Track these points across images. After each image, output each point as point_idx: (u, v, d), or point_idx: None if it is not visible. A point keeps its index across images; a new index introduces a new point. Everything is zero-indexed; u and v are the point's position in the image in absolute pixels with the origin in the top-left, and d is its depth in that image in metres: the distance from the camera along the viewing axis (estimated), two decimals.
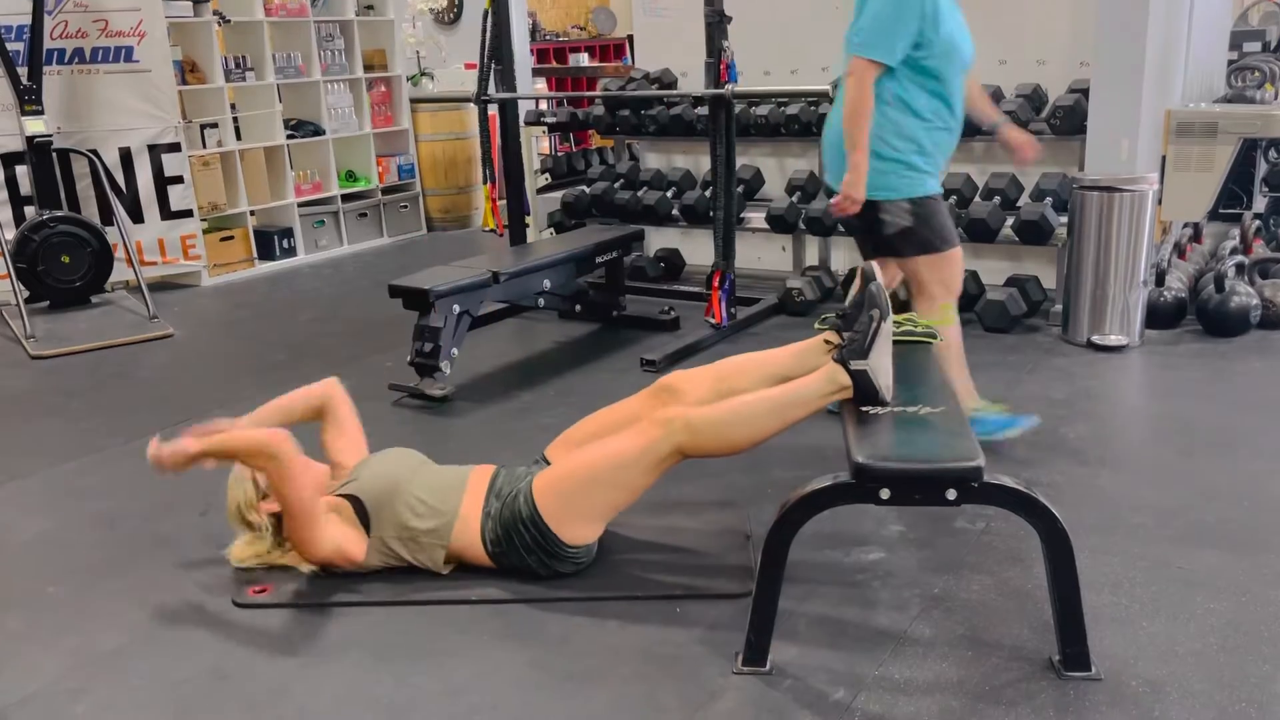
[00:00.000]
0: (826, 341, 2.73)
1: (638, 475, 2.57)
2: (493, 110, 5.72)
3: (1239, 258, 4.73)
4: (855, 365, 2.44)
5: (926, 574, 2.67)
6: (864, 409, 2.45)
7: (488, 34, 5.42)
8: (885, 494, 2.16)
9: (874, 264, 2.67)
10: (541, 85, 9.11)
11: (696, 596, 2.60)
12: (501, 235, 5.85)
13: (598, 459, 2.60)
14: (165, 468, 2.64)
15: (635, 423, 2.64)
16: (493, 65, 5.50)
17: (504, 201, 5.84)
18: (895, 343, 2.89)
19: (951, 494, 2.14)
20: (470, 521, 2.69)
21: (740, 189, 5.52)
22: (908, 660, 2.31)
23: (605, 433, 2.76)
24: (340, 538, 2.68)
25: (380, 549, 2.71)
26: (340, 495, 2.73)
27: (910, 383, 2.59)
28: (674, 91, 5.86)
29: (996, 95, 5.02)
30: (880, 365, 2.45)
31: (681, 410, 2.56)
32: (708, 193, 5.46)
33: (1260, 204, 5.93)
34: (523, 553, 2.64)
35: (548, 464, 2.82)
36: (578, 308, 5.19)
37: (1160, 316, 4.59)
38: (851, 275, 5.23)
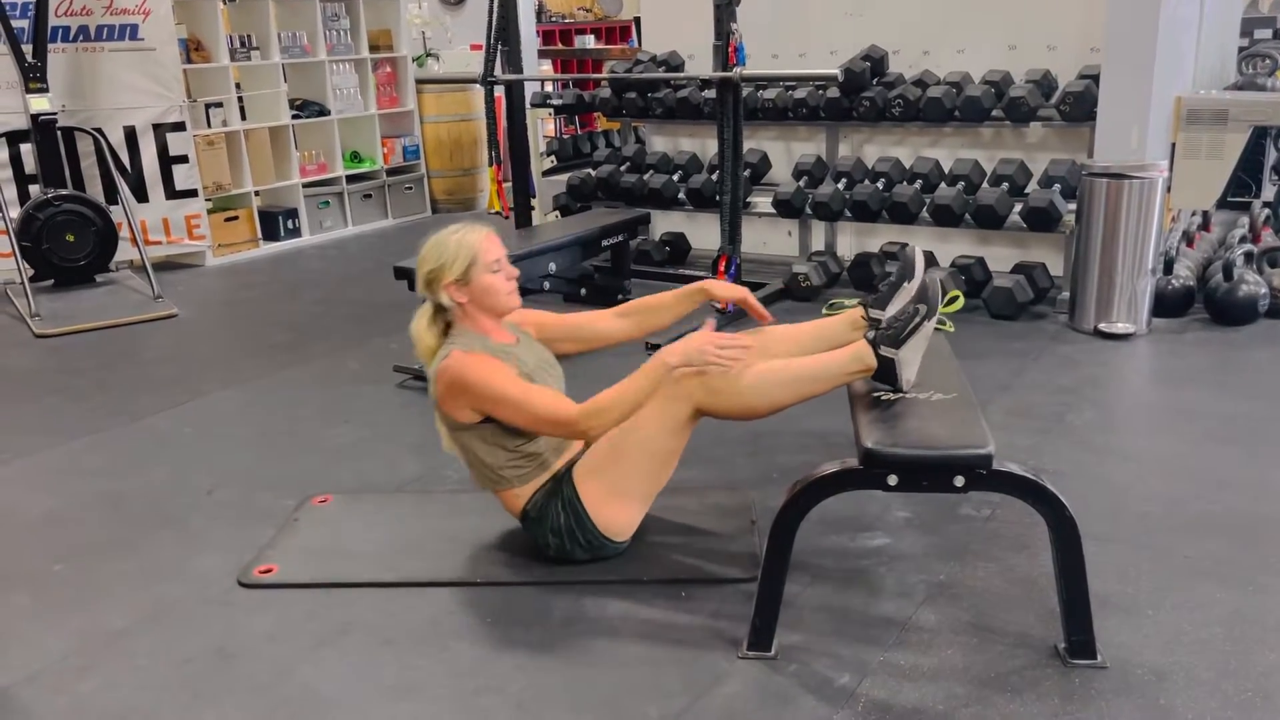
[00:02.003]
0: (864, 319, 2.69)
1: (663, 437, 2.53)
2: (499, 92, 5.69)
3: (1247, 246, 4.71)
4: (885, 352, 2.42)
5: (932, 560, 2.66)
6: (875, 393, 2.44)
7: (494, 15, 5.39)
8: (893, 480, 2.16)
9: (918, 249, 2.63)
10: (547, 67, 9.07)
11: (702, 581, 2.59)
12: (507, 218, 5.83)
13: (623, 430, 2.56)
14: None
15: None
16: (499, 46, 5.47)
17: (509, 184, 5.81)
18: None
19: (959, 481, 2.14)
20: (538, 482, 2.65)
21: (747, 173, 5.50)
22: (913, 646, 2.31)
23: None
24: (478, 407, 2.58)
25: (488, 432, 2.60)
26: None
27: (921, 368, 2.58)
28: (681, 74, 5.83)
29: (1006, 80, 5.00)
30: (909, 358, 2.43)
31: (697, 373, 2.52)
32: (714, 176, 5.45)
33: (1269, 192, 5.91)
34: (549, 533, 2.62)
35: None
36: (583, 291, 5.18)
37: (1168, 305, 4.58)
38: (858, 260, 5.21)
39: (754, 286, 5.18)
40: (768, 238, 6.00)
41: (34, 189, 5.83)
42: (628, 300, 5.13)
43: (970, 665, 2.23)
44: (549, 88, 7.14)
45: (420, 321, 2.70)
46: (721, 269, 4.74)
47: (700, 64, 5.77)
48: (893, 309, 2.55)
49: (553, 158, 6.83)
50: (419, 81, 8.07)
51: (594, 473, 2.59)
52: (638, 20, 9.44)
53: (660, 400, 2.51)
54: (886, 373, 2.44)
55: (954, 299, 3.08)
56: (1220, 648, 2.26)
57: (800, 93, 5.44)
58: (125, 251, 6.02)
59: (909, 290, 2.53)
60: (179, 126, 6.36)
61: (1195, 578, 2.54)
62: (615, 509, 2.60)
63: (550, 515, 2.61)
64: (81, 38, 6.03)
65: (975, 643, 2.31)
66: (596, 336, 2.91)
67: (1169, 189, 4.46)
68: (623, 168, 6.07)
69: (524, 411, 2.53)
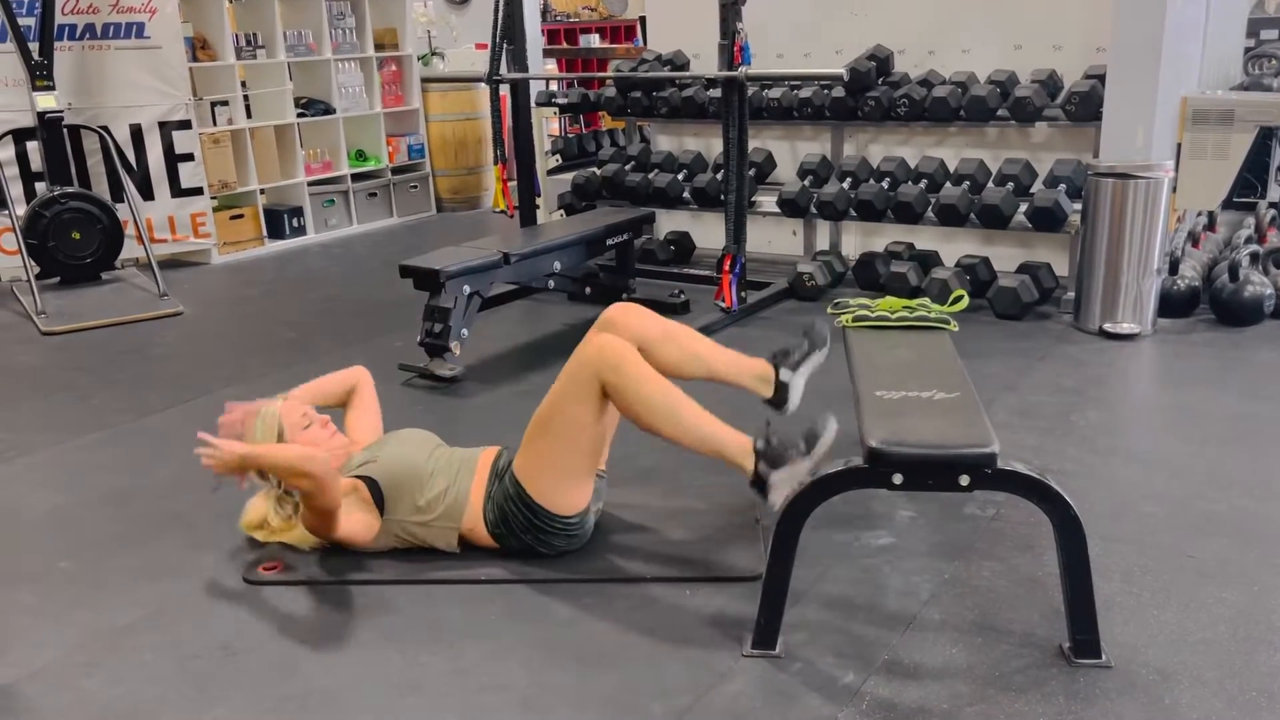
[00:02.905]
0: (774, 377, 2.86)
1: (580, 414, 2.54)
2: (504, 90, 5.70)
3: (1253, 247, 4.71)
4: (761, 469, 2.47)
5: (936, 559, 2.66)
6: (878, 393, 2.43)
7: (499, 13, 5.40)
8: (898, 479, 2.15)
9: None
10: (552, 66, 9.09)
11: (706, 579, 2.60)
12: (512, 216, 5.84)
13: (545, 410, 2.60)
14: (219, 460, 2.58)
15: None
16: (504, 45, 5.47)
17: (514, 183, 5.82)
18: (909, 327, 2.91)
19: (965, 480, 2.13)
20: (475, 504, 2.70)
21: (751, 172, 5.50)
22: (917, 645, 2.31)
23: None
24: (353, 522, 2.69)
25: (392, 531, 2.72)
26: (357, 476, 2.74)
27: (924, 368, 2.58)
28: (686, 73, 5.83)
29: (1011, 80, 5.00)
30: (780, 486, 2.45)
31: (619, 344, 2.54)
32: (719, 176, 5.44)
33: (1275, 193, 5.89)
34: (519, 533, 2.66)
35: None
36: (587, 290, 5.18)
37: (1173, 305, 4.57)
38: (863, 260, 5.20)
39: (758, 286, 5.19)
40: (772, 237, 6.00)
41: (40, 186, 5.85)
42: (631, 299, 5.17)
43: (975, 664, 2.23)
44: (554, 86, 7.14)
45: (264, 500, 2.82)
46: (726, 268, 4.73)
47: (705, 63, 5.76)
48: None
49: (558, 156, 6.84)
50: (424, 80, 8.08)
51: (532, 461, 2.61)
52: (642, 19, 9.45)
53: (573, 383, 2.54)
54: (759, 486, 2.49)
55: (958, 298, 3.08)
56: (1225, 647, 2.26)
57: (805, 92, 5.44)
58: (131, 249, 6.04)
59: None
60: (185, 124, 6.37)
61: (1200, 578, 2.54)
62: (559, 490, 2.62)
63: (510, 516, 2.65)
64: (88, 35, 6.04)
65: (980, 642, 2.31)
66: (350, 434, 3.03)
67: (1174, 189, 4.46)
68: (627, 167, 6.07)
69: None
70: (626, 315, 2.83)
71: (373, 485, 2.70)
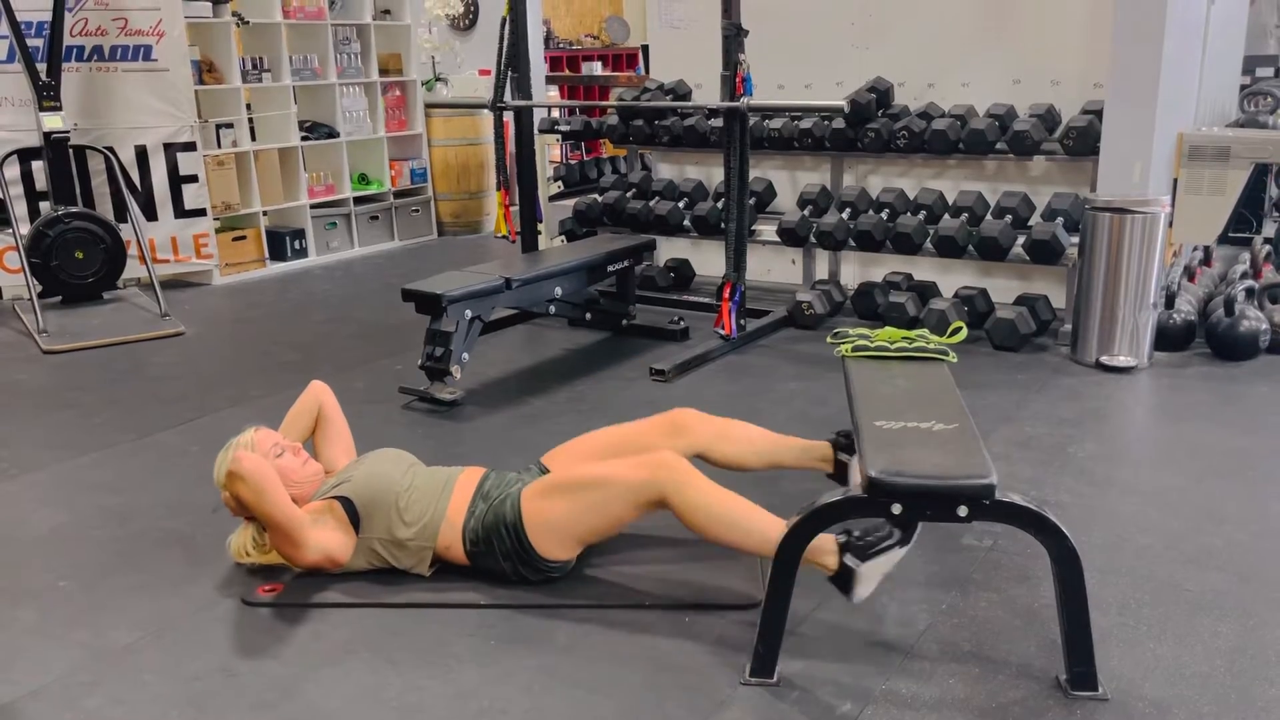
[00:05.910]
0: (833, 456, 2.92)
1: (620, 509, 2.59)
2: (507, 117, 5.75)
3: (1249, 282, 4.74)
4: (849, 561, 2.38)
5: (934, 590, 2.68)
6: (877, 423, 2.46)
7: (504, 41, 5.45)
8: (897, 509, 2.17)
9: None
10: (554, 93, 9.15)
11: (706, 607, 2.61)
12: (513, 241, 5.88)
13: (587, 482, 2.63)
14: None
15: (638, 453, 2.70)
16: (509, 73, 5.53)
17: (516, 208, 5.86)
18: (908, 358, 2.94)
19: (963, 511, 2.15)
20: (454, 521, 2.72)
21: (752, 201, 5.54)
22: (914, 675, 2.32)
23: (607, 453, 2.83)
24: (326, 542, 2.70)
25: (367, 550, 2.74)
26: (332, 497, 2.75)
27: (923, 399, 2.61)
28: (689, 103, 5.88)
29: (1010, 114, 5.05)
30: (869, 577, 2.38)
31: (684, 469, 2.54)
32: (720, 204, 5.49)
33: (1270, 228, 5.95)
34: (499, 557, 2.68)
35: (542, 470, 2.87)
36: (588, 316, 5.21)
37: (1169, 339, 4.60)
38: (862, 289, 5.23)
39: (757, 314, 5.22)
40: (772, 265, 6.04)
41: (44, 206, 5.88)
42: (632, 324, 5.19)
43: (972, 695, 2.24)
44: (556, 113, 7.19)
45: (242, 539, 2.86)
46: (726, 296, 4.77)
47: (707, 93, 5.83)
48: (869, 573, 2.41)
49: (559, 183, 6.88)
50: (428, 105, 8.14)
51: (546, 511, 2.63)
52: (644, 48, 9.53)
53: (631, 482, 2.56)
54: (843, 583, 2.41)
55: (956, 330, 3.11)
56: (1221, 681, 2.27)
57: (806, 123, 5.49)
58: (133, 269, 6.06)
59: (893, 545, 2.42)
60: (189, 146, 6.41)
61: (1196, 611, 2.55)
62: (555, 546, 2.66)
63: (496, 541, 2.67)
64: (95, 57, 6.10)
65: (977, 673, 2.32)
66: (321, 455, 3.08)
67: (1171, 224, 4.50)
68: (629, 194, 6.12)
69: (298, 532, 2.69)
70: (698, 421, 2.92)
71: (348, 504, 2.72)
